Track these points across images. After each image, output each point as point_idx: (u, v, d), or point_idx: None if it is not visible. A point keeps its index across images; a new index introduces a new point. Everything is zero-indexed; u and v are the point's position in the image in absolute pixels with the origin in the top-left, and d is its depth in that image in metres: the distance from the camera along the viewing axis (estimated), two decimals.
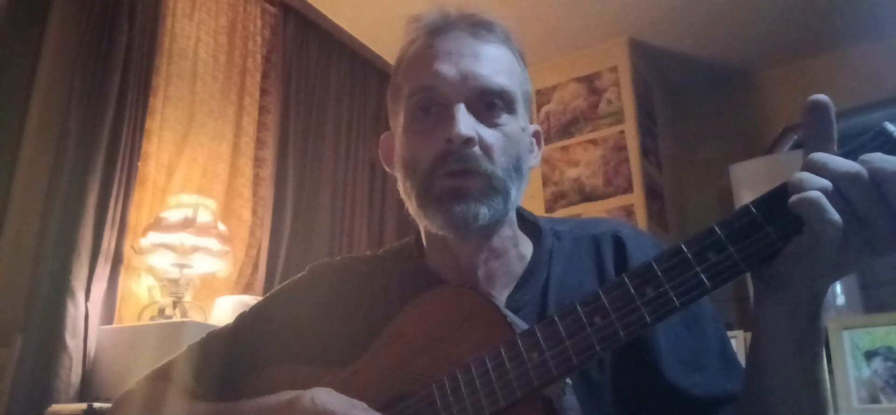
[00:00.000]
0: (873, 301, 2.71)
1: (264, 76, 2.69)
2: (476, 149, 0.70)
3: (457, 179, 0.70)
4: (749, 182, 3.04)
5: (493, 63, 0.73)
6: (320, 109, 2.87)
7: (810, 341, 0.58)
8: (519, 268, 0.78)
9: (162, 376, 0.85)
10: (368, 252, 0.92)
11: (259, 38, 2.68)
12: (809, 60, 3.38)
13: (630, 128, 3.10)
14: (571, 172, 3.16)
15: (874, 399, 2.15)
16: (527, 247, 0.80)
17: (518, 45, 0.79)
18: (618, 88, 3.18)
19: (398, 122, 0.77)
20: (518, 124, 0.74)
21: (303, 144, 2.72)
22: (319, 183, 2.77)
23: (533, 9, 2.94)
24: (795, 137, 3.22)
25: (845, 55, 3.25)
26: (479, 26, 0.76)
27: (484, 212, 0.70)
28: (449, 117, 0.70)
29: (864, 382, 2.18)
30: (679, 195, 3.52)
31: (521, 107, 0.76)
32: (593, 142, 3.17)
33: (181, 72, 2.32)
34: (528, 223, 0.82)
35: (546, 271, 0.78)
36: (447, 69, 0.72)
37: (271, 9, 2.75)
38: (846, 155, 0.51)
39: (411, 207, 0.75)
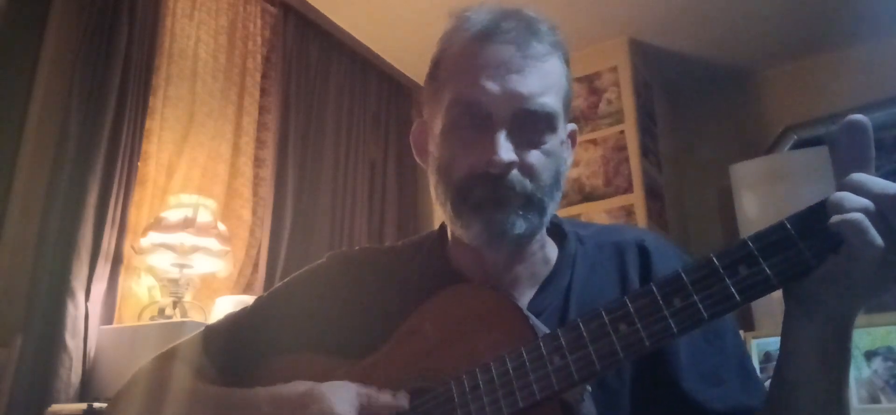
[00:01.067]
0: (873, 301, 2.71)
1: (264, 76, 2.69)
2: (515, 172, 0.69)
3: (496, 191, 0.69)
4: (749, 182, 3.04)
5: (541, 81, 0.71)
6: (320, 109, 2.87)
7: (837, 362, 0.58)
8: (543, 271, 0.78)
9: (175, 356, 0.84)
10: (388, 244, 0.91)
11: (259, 38, 2.68)
12: (809, 60, 3.38)
13: (630, 128, 3.09)
14: (571, 172, 3.16)
15: (874, 399, 2.15)
16: (552, 250, 0.80)
17: (564, 38, 0.77)
18: (618, 88, 3.17)
19: (436, 121, 0.76)
20: (559, 139, 0.73)
21: (303, 144, 2.72)
22: (319, 183, 2.77)
23: (532, 9, 2.93)
24: (796, 137, 3.22)
25: (845, 55, 3.25)
26: (529, 34, 0.73)
27: (520, 224, 0.69)
28: (490, 138, 0.68)
29: (864, 382, 2.18)
30: (679, 195, 3.52)
31: (562, 120, 0.74)
32: (593, 142, 3.17)
33: (181, 72, 2.32)
34: (552, 225, 0.82)
35: (569, 276, 0.77)
36: (493, 86, 0.69)
37: (271, 9, 2.75)
38: (885, 177, 0.51)
39: (444, 211, 0.74)
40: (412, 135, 0.84)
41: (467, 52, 0.73)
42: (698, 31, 3.15)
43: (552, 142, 0.72)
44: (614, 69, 3.20)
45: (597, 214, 3.03)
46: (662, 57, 3.37)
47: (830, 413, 0.59)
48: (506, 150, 0.68)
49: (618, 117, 3.14)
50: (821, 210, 0.52)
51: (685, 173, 3.62)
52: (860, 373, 2.19)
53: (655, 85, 3.47)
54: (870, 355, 2.20)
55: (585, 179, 3.13)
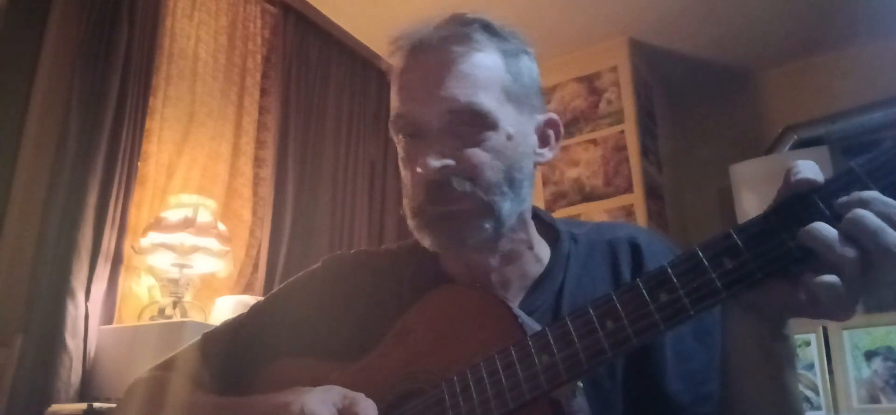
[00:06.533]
0: (873, 301, 2.71)
1: (264, 76, 2.69)
2: (453, 177, 0.69)
3: (443, 205, 0.70)
4: (749, 182, 3.04)
5: (467, 79, 0.70)
6: (320, 109, 2.87)
7: (777, 350, 0.58)
8: (535, 271, 0.78)
9: (172, 365, 0.85)
10: (383, 247, 0.91)
11: (259, 38, 2.68)
12: (809, 60, 3.38)
13: (630, 128, 3.09)
14: (571, 172, 3.16)
15: (874, 399, 2.15)
16: (544, 250, 0.79)
17: (509, 31, 0.76)
18: (618, 88, 3.17)
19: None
20: (503, 136, 0.71)
21: (303, 144, 2.72)
22: (319, 183, 2.77)
23: (533, 9, 2.94)
24: (796, 137, 3.22)
25: (845, 55, 3.25)
26: (454, 39, 0.72)
27: (472, 234, 0.70)
28: (424, 148, 0.70)
29: (864, 382, 2.18)
30: (679, 195, 3.52)
31: (506, 113, 0.72)
32: (593, 142, 3.17)
33: (181, 72, 2.32)
34: (545, 225, 0.81)
35: (562, 275, 0.77)
36: (419, 96, 0.72)
37: (271, 9, 2.75)
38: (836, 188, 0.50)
39: (410, 225, 0.76)
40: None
41: (400, 71, 0.76)
42: (698, 31, 3.15)
43: (494, 139, 0.71)
44: (614, 69, 3.20)
45: (597, 214, 3.03)
46: (662, 57, 3.37)
47: (777, 401, 0.60)
48: (434, 155, 0.69)
49: (618, 117, 3.14)
50: (809, 203, 0.50)
51: (685, 173, 3.62)
52: (860, 373, 2.19)
53: (655, 85, 3.47)
54: (870, 355, 2.20)
55: (585, 179, 3.13)
